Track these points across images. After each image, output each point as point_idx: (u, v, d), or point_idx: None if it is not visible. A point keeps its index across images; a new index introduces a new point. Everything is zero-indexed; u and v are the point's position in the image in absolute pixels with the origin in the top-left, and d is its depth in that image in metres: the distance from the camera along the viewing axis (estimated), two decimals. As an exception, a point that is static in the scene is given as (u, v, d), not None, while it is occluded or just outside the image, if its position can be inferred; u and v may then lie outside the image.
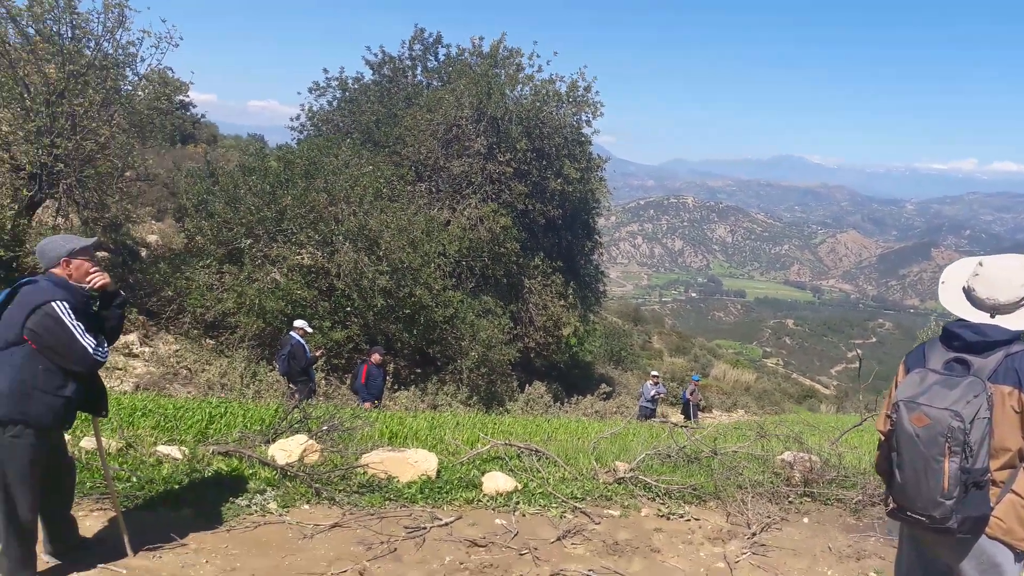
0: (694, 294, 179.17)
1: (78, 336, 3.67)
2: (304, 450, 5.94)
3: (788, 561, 5.30)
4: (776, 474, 7.21)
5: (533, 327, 23.79)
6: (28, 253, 15.84)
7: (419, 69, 28.18)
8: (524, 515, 5.64)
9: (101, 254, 15.72)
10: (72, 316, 3.67)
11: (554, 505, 5.86)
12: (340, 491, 5.58)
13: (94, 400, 4.01)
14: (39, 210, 17.05)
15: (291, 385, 12.13)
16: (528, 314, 23.85)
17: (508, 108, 23.40)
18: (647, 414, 18.70)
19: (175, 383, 13.13)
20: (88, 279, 3.85)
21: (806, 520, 6.22)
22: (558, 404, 18.50)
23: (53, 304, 3.65)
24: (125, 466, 5.41)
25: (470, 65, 25.41)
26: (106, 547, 4.30)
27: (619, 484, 6.48)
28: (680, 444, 7.94)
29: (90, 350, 3.71)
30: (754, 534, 5.69)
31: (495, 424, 9.98)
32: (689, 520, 5.96)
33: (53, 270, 3.82)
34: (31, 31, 15.90)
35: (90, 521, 4.63)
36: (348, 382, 14.38)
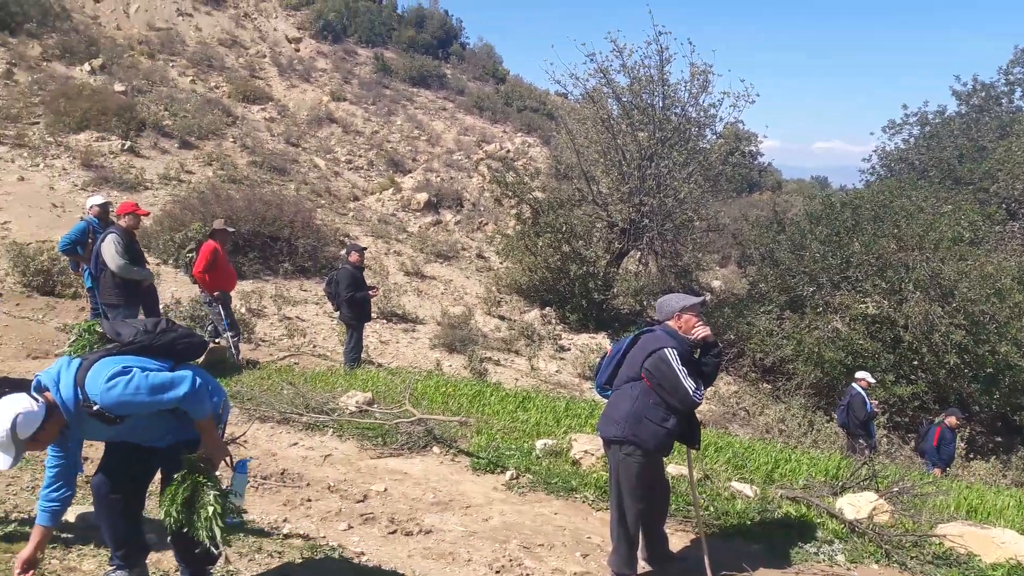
0: None
1: (682, 378, 4.34)
2: (874, 508, 5.83)
3: None
4: None
5: None
6: (615, 296, 18.61)
7: (1017, 93, 24.77)
8: None
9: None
10: (679, 361, 4.37)
11: None
12: (912, 558, 5.36)
13: (690, 434, 4.68)
14: (624, 259, 19.87)
15: (851, 440, 11.81)
16: None
17: None
18: None
19: (734, 423, 13.89)
20: (693, 331, 4.55)
21: None
22: None
23: (665, 350, 4.40)
24: (704, 495, 6.04)
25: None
26: (687, 564, 4.88)
27: None
28: None
29: (691, 391, 4.35)
30: None
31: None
32: None
33: (668, 322, 4.62)
34: (629, 104, 18.73)
35: (675, 539, 5.27)
36: (913, 443, 13.40)
